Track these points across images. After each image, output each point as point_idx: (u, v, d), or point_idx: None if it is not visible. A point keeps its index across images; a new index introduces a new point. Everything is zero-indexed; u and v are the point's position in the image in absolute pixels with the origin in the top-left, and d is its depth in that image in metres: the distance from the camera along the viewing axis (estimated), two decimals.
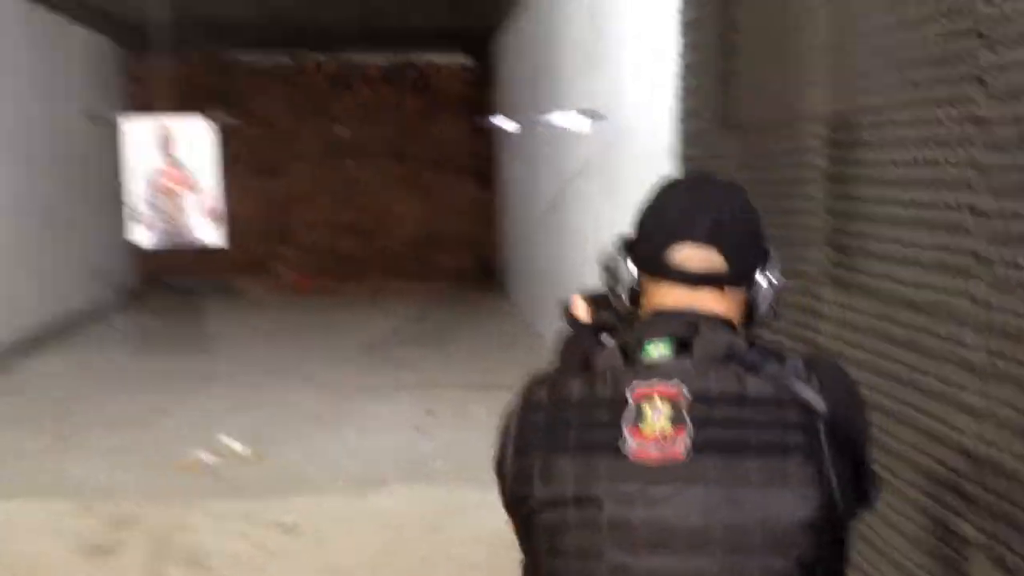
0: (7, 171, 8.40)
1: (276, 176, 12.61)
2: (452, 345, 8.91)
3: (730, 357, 1.36)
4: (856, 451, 1.37)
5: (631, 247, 1.50)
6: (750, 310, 1.49)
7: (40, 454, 5.68)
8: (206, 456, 5.59)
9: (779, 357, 1.38)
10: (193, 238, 5.76)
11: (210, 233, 5.74)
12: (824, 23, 3.23)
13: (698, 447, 1.31)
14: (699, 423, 1.31)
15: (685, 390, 1.33)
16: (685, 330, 1.39)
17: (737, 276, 1.45)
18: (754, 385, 1.34)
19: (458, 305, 11.30)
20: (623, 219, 4.90)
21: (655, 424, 1.31)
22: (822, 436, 1.31)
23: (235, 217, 12.43)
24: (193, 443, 5.81)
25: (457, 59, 12.74)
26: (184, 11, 9.75)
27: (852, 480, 1.35)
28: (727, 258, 1.43)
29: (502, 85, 11.56)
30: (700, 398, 1.33)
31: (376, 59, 12.56)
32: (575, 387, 1.38)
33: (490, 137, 12.25)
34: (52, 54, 9.50)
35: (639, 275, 1.48)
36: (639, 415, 1.32)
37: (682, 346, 1.38)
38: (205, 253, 12.31)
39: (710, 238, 1.43)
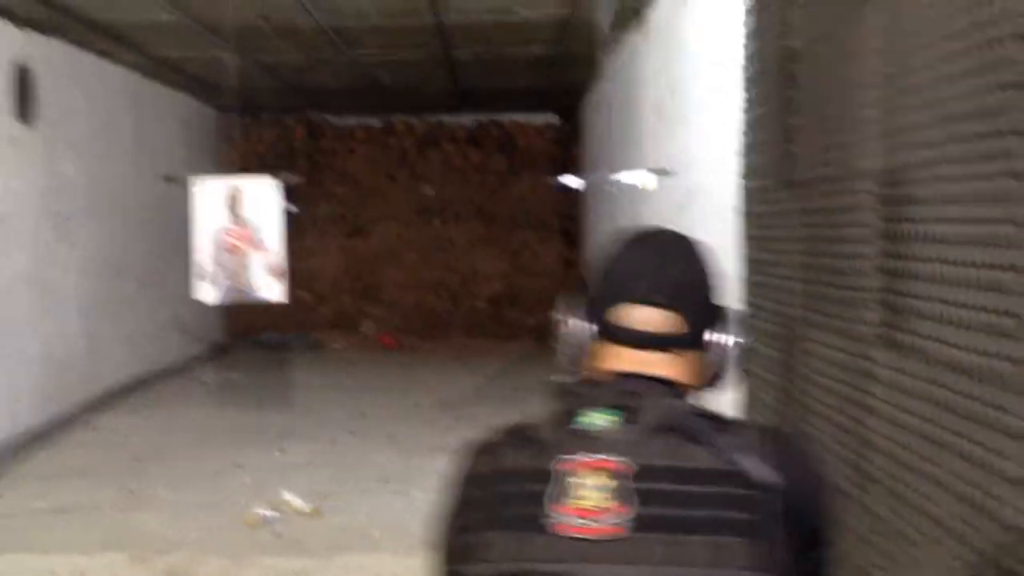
0: (107, 230, 8.70)
1: (364, 234, 12.78)
2: (529, 404, 8.83)
3: (676, 427, 1.27)
4: (814, 534, 1.26)
5: (585, 306, 1.42)
6: (713, 372, 1.40)
7: (106, 507, 5.76)
8: (267, 512, 5.59)
9: (732, 427, 1.29)
10: (255, 294, 5.84)
11: (272, 289, 5.81)
12: (877, 77, 3.13)
13: (642, 524, 1.22)
14: (643, 498, 1.23)
15: (629, 463, 1.24)
16: (628, 398, 1.30)
17: (692, 337, 1.37)
18: (701, 458, 1.24)
19: (539, 365, 11.23)
20: None
21: (584, 498, 1.23)
22: (773, 514, 1.21)
23: (324, 274, 12.67)
24: (261, 498, 5.83)
25: (543, 119, 12.81)
26: (280, 79, 10.05)
27: (811, 565, 1.25)
28: (681, 319, 1.35)
29: (587, 144, 11.58)
30: (644, 472, 1.24)
31: (463, 120, 12.71)
32: (510, 457, 1.31)
33: (576, 196, 12.25)
34: (153, 120, 9.85)
35: (591, 336, 1.40)
36: (565, 488, 1.24)
37: (628, 414, 1.29)
38: (293, 310, 12.54)
39: (662, 298, 1.35)
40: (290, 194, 8.40)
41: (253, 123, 12.53)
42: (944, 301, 2.54)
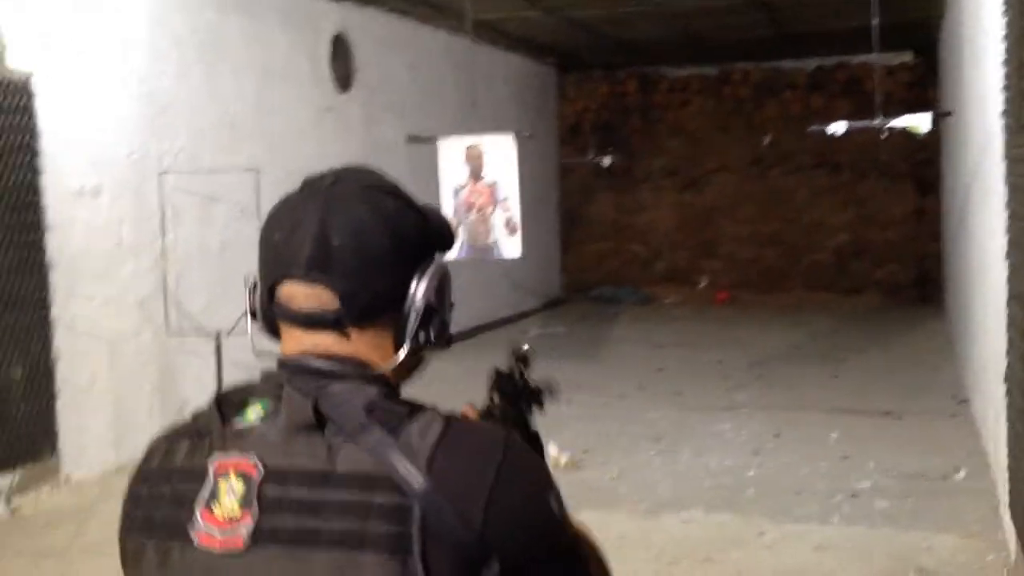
0: (430, 191, 9.20)
1: (699, 187, 12.55)
2: (850, 365, 8.30)
3: (334, 421, 1.08)
4: (485, 553, 1.05)
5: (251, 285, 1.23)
6: (404, 346, 1.18)
7: None
8: None
9: (420, 420, 1.08)
10: (494, 252, 5.91)
11: (511, 246, 5.85)
12: None
13: (260, 536, 1.06)
14: (269, 506, 1.06)
15: (259, 465, 1.08)
16: (279, 388, 1.12)
17: (355, 313, 1.14)
18: (347, 459, 1.06)
19: (882, 322, 10.50)
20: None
21: (222, 504, 1.08)
22: (412, 525, 1.03)
23: (658, 228, 12.61)
24: None
25: (894, 58, 11.85)
26: (611, 36, 10.08)
27: None
28: (336, 293, 1.13)
29: (942, 83, 10.57)
30: (275, 475, 1.07)
31: (804, 64, 12.06)
32: (181, 452, 1.14)
33: (930, 140, 11.24)
34: (480, 81, 10.24)
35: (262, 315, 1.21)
36: (214, 492, 1.09)
37: (275, 406, 1.12)
38: (628, 265, 12.62)
39: (310, 269, 1.13)
40: (611, 146, 8.41)
41: (585, 79, 12.67)
42: None
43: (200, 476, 1.10)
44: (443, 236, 1.25)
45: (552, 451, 5.76)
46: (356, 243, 1.13)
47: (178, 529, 1.09)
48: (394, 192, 1.19)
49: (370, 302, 1.15)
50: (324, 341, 1.15)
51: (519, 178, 5.99)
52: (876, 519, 4.80)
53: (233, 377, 5.98)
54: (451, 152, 5.86)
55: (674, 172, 12.55)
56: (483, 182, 5.77)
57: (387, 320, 1.17)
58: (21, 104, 5.30)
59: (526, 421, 1.51)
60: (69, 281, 5.55)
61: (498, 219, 5.75)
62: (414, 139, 6.49)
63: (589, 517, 4.48)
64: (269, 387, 1.14)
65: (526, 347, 1.57)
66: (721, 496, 5.19)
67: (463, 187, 5.81)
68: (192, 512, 1.09)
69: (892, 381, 7.64)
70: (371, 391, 1.11)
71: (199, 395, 6.21)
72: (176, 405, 6.24)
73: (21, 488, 5.22)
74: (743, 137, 12.30)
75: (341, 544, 1.04)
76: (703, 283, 12.51)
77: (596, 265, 12.79)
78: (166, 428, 1.20)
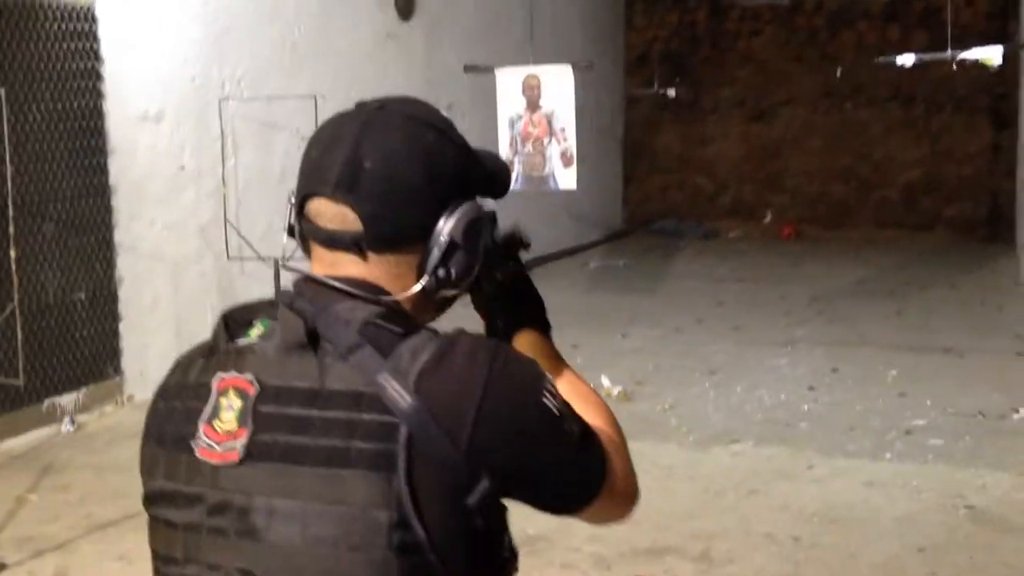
0: (492, 118, 9.11)
1: (768, 119, 12.31)
2: (915, 302, 8.15)
3: (317, 339, 1.10)
4: (476, 468, 1.06)
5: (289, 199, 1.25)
6: (425, 275, 1.18)
7: None
8: None
9: (415, 339, 1.09)
10: (550, 183, 5.87)
11: (567, 178, 5.80)
12: None
13: (254, 451, 1.09)
14: (263, 423, 1.09)
15: (255, 383, 1.11)
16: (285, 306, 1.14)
17: (376, 238, 1.14)
18: (337, 377, 1.08)
19: (951, 259, 10.28)
20: None
21: (223, 420, 1.11)
22: (398, 443, 1.04)
23: (724, 161, 12.43)
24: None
25: None
26: None
27: (476, 506, 1.06)
28: (360, 215, 1.13)
29: None
30: (270, 393, 1.10)
31: None
32: (195, 371, 1.18)
33: (1009, 73, 10.89)
34: (548, 9, 10.09)
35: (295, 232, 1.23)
36: (215, 408, 1.12)
37: (274, 325, 1.15)
38: (692, 198, 12.49)
39: (338, 188, 1.13)
40: (679, 77, 8.25)
41: (653, 7, 12.44)
42: None
43: (206, 393, 1.13)
44: (492, 181, 1.26)
45: (609, 385, 5.78)
46: (387, 169, 1.13)
47: (185, 443, 1.13)
48: (439, 127, 1.18)
49: (393, 229, 1.15)
50: (344, 263, 1.16)
51: (578, 109, 5.93)
52: (929, 456, 4.75)
53: None
54: (509, 82, 5.81)
55: (742, 103, 12.31)
56: (540, 113, 5.72)
57: (411, 252, 1.16)
58: (84, 30, 5.37)
59: (512, 277, 1.46)
60: (131, 205, 5.65)
61: (554, 151, 5.71)
62: (472, 68, 6.44)
63: (639, 448, 4.49)
64: (273, 306, 1.16)
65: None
66: (772, 429, 5.17)
67: (520, 118, 5.77)
68: (196, 427, 1.12)
69: (956, 319, 7.50)
70: (372, 311, 1.12)
71: None
72: None
73: (85, 406, 5.39)
74: (815, 68, 11.99)
75: (329, 460, 1.05)
76: (768, 218, 12.33)
77: (660, 198, 12.65)
78: (192, 346, 1.24)
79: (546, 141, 5.73)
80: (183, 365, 1.20)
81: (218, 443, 1.11)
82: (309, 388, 1.08)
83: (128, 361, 5.60)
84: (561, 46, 10.36)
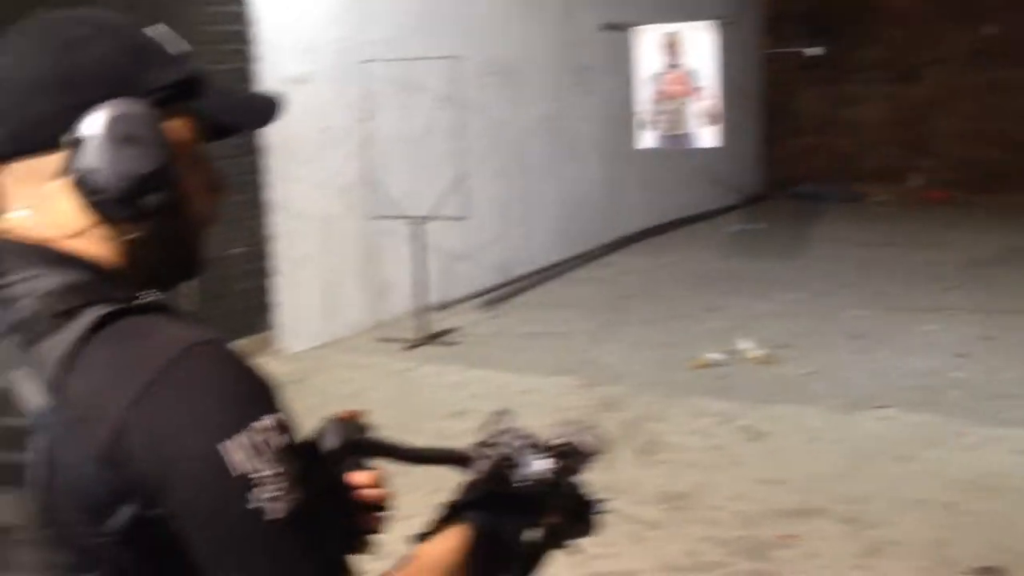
0: (628, 79, 9.04)
1: (915, 80, 11.87)
2: None
3: None
4: (109, 483, 0.84)
5: None
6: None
7: (577, 336, 6.22)
8: (718, 356, 5.66)
9: (70, 318, 0.87)
10: (692, 141, 5.78)
11: (708, 136, 5.70)
12: None
13: None
14: None
15: None
16: None
17: (5, 140, 0.94)
18: None
19: None
20: None
21: None
22: (36, 456, 0.84)
23: (868, 123, 12.06)
24: (719, 343, 5.90)
25: None
26: None
27: (115, 527, 0.84)
28: None
29: None
30: None
31: None
32: None
33: None
34: None
35: None
36: None
37: None
38: (834, 161, 12.16)
39: None
40: (820, 35, 7.99)
41: None
42: None
43: None
44: (188, 90, 1.00)
45: (750, 349, 5.71)
46: (18, 60, 0.95)
47: None
48: (99, 24, 0.98)
49: (18, 127, 0.93)
50: (12, 195, 0.96)
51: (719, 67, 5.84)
52: None
53: (431, 263, 6.13)
54: (648, 40, 5.75)
55: (888, 63, 11.90)
56: (680, 70, 5.65)
57: (43, 156, 0.93)
58: None
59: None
60: (282, 164, 5.82)
61: (695, 108, 5.63)
62: (610, 27, 6.39)
63: (782, 411, 4.46)
64: None
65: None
66: (921, 396, 5.03)
67: (659, 76, 5.71)
68: None
69: None
70: (49, 284, 0.90)
71: (401, 277, 6.46)
72: (377, 287, 6.50)
73: None
74: (965, 26, 11.51)
75: None
76: (915, 182, 11.93)
77: (800, 161, 12.35)
78: None
79: (686, 99, 5.65)
80: None
81: None
82: None
83: (281, 315, 5.79)
84: (698, 3, 10.19)
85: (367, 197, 6.21)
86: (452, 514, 1.09)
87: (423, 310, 6.12)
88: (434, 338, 6.13)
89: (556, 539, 1.14)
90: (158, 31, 1.03)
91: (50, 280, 0.90)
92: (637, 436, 4.56)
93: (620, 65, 8.88)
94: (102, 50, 0.95)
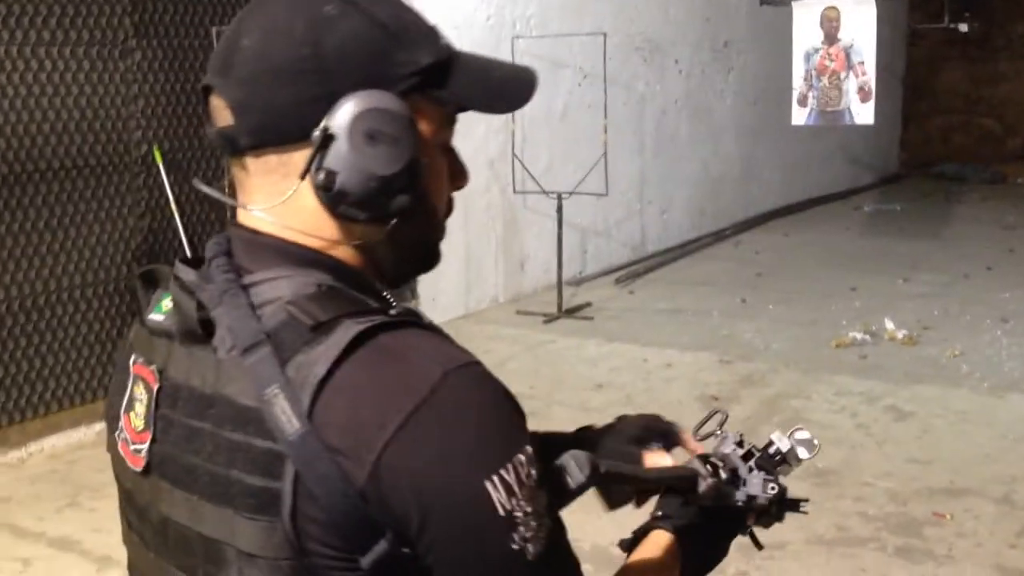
0: (766, 57, 8.93)
1: None
2: None
3: (209, 325, 0.86)
4: (365, 517, 0.79)
5: None
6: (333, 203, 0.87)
7: (715, 313, 6.23)
8: (860, 335, 5.62)
9: (323, 333, 0.81)
10: (846, 118, 5.71)
11: (863, 113, 5.62)
12: None
13: (154, 462, 0.90)
14: (162, 428, 0.89)
15: (158, 376, 0.90)
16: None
17: (250, 130, 0.87)
18: (231, 380, 0.83)
19: None
20: None
21: (137, 415, 0.92)
22: (286, 482, 0.79)
23: (1016, 102, 11.66)
24: (861, 322, 5.85)
25: None
26: None
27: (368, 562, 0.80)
28: (229, 101, 0.88)
29: None
30: (170, 391, 0.88)
31: None
32: (131, 334, 0.98)
33: None
34: None
35: None
36: (131, 398, 0.93)
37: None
38: (977, 141, 11.80)
39: (215, 74, 0.89)
40: (968, 10, 7.73)
41: None
42: None
43: (127, 373, 0.95)
44: (443, 73, 0.92)
45: (893, 329, 5.65)
46: (262, 44, 0.87)
47: (115, 424, 0.96)
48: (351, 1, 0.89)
49: (262, 118, 0.87)
50: (248, 185, 0.91)
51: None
52: None
53: (567, 238, 6.22)
54: (806, 15, 5.69)
55: None
56: (838, 46, 5.59)
57: (292, 151, 0.87)
58: None
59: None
60: None
61: (851, 84, 5.57)
62: (768, 2, 6.32)
63: (928, 392, 4.44)
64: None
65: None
66: None
67: (816, 51, 5.66)
68: (119, 413, 0.95)
69: None
70: (299, 286, 0.86)
71: (539, 251, 6.57)
72: (518, 260, 6.63)
73: None
74: None
75: (214, 494, 0.84)
76: None
77: (940, 140, 12.04)
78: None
79: (843, 75, 5.60)
80: (134, 327, 0.99)
81: (131, 440, 0.92)
82: (204, 393, 0.85)
83: (422, 287, 5.96)
84: None
85: (509, 172, 6.33)
86: (665, 527, 1.06)
87: (560, 285, 6.22)
88: (571, 312, 6.23)
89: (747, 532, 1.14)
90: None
91: (298, 282, 0.86)
92: (777, 412, 4.58)
93: (761, 42, 8.81)
94: (353, 29, 0.87)
